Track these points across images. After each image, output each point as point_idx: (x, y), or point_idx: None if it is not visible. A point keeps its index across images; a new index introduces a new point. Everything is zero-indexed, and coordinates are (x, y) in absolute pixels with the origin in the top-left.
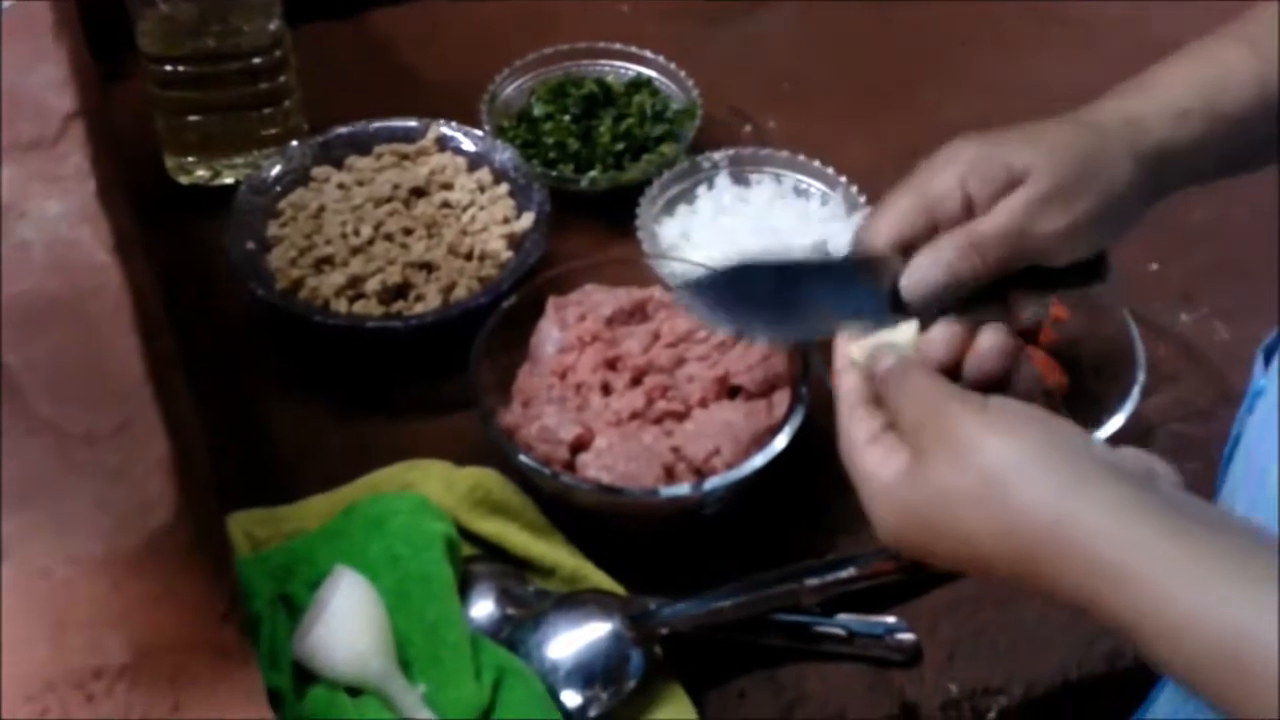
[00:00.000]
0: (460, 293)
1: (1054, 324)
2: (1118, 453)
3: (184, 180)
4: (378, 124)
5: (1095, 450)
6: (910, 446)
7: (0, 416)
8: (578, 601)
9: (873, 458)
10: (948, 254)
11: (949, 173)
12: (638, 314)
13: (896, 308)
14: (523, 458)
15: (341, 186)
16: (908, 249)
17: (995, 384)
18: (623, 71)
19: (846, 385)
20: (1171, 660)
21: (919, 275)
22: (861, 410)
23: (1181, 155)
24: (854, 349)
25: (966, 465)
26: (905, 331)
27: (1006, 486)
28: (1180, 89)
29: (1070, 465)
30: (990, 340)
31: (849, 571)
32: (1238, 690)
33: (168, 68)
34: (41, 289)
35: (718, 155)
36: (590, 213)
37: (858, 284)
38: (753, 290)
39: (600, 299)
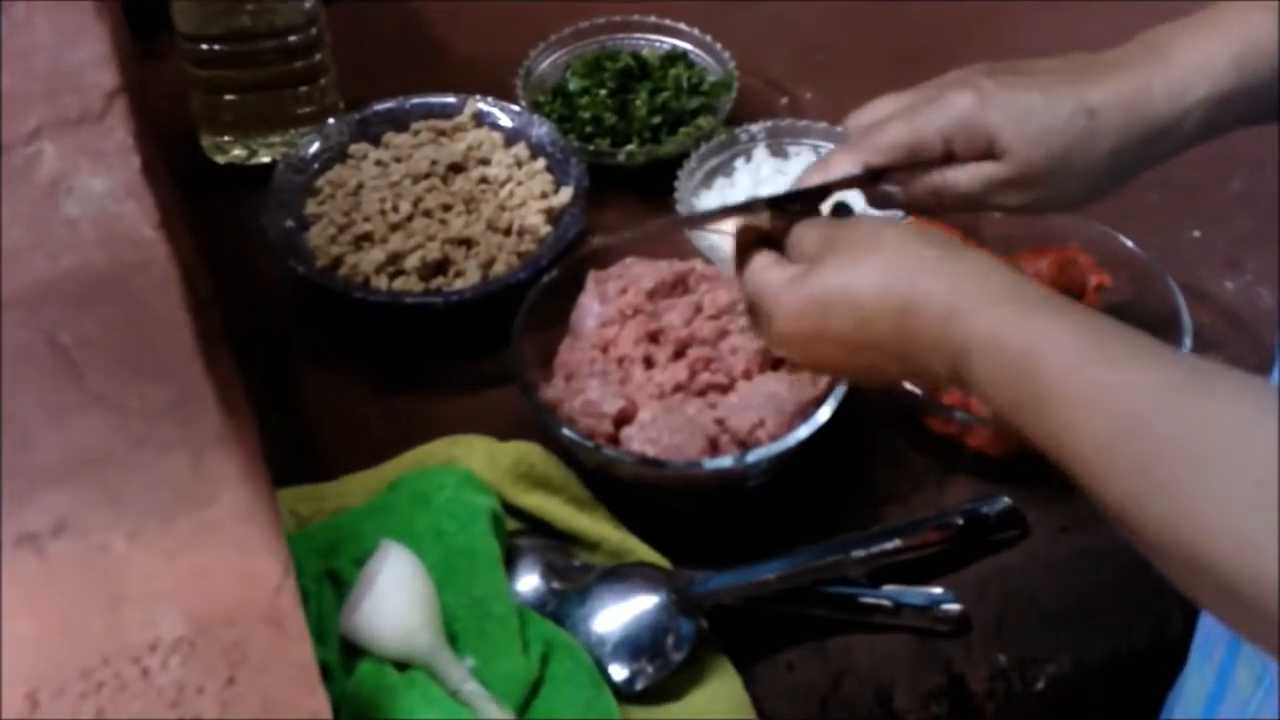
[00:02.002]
0: (500, 268)
1: (1098, 291)
2: None
3: (220, 159)
4: (414, 100)
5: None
6: (809, 264)
7: (53, 391)
8: (623, 575)
9: (773, 272)
10: (916, 193)
11: (939, 122)
12: (679, 286)
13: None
14: (566, 431)
15: (379, 163)
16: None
17: None
18: (658, 45)
19: (745, 235)
20: (979, 380)
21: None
22: (761, 248)
23: (1181, 137)
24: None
25: (868, 246)
26: None
27: (892, 254)
28: (1195, 65)
29: (944, 247)
30: None
31: (895, 542)
32: (1028, 406)
33: (203, 46)
34: (89, 265)
35: (755, 128)
36: (628, 186)
37: None
38: None
39: (641, 272)
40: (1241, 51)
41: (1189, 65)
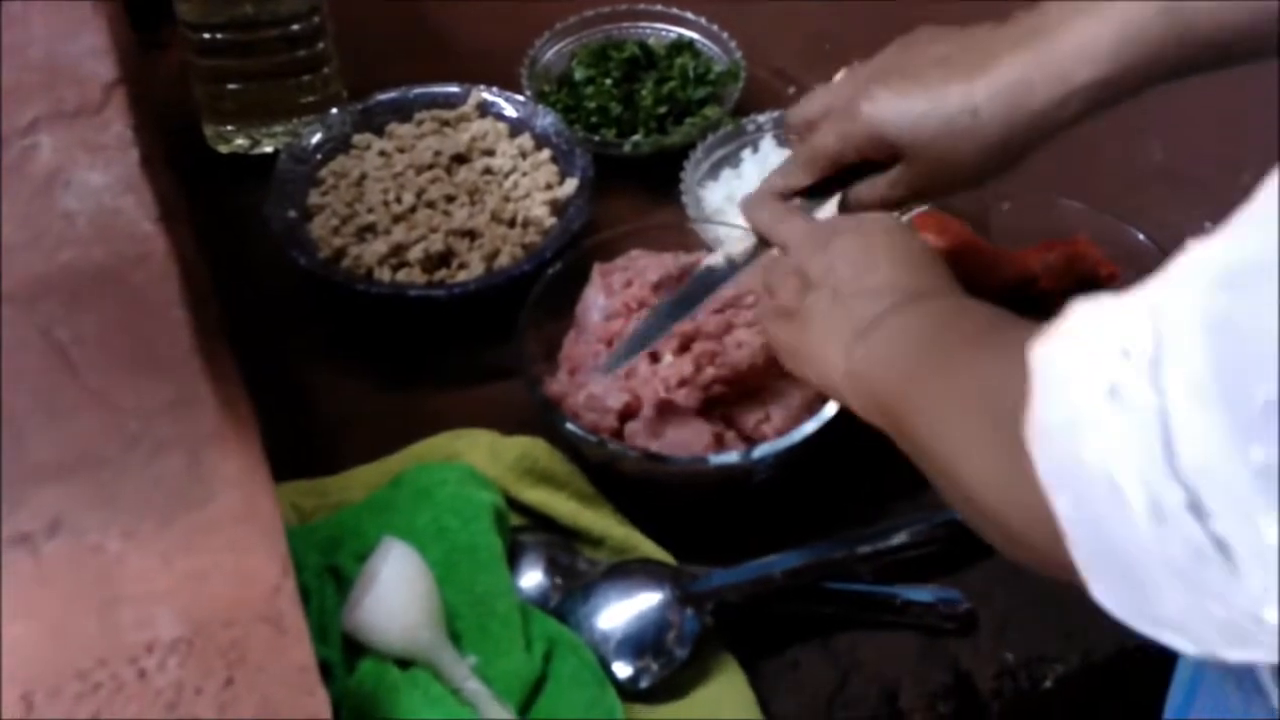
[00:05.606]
0: (504, 260)
1: (1108, 283)
2: None
3: (223, 149)
4: (418, 90)
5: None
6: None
7: (47, 389)
8: (627, 571)
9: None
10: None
11: (851, 140)
12: (684, 279)
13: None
14: (570, 426)
15: (383, 154)
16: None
17: None
18: (664, 34)
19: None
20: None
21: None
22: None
23: (1065, 119)
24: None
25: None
26: (830, 206)
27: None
28: (1076, 52)
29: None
30: None
31: (902, 539)
32: (894, 430)
33: (206, 36)
34: (87, 259)
35: (762, 118)
36: (634, 177)
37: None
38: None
39: (646, 264)
40: (1121, 37)
41: (1070, 52)
